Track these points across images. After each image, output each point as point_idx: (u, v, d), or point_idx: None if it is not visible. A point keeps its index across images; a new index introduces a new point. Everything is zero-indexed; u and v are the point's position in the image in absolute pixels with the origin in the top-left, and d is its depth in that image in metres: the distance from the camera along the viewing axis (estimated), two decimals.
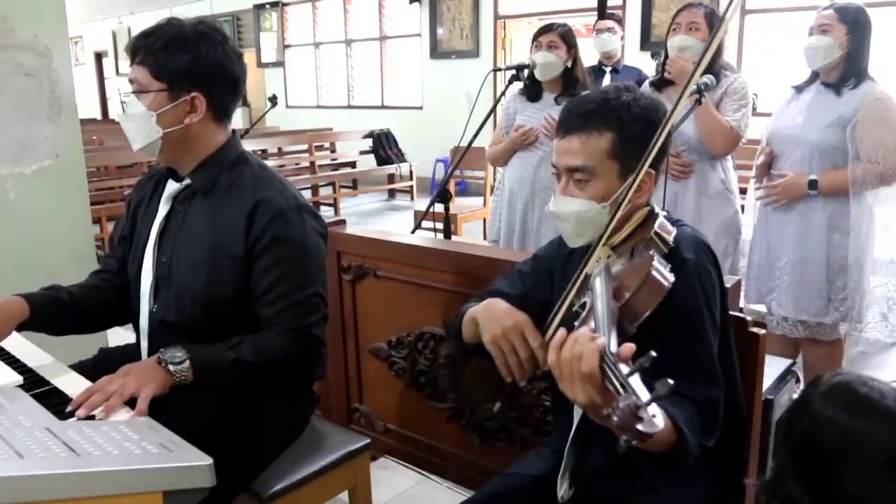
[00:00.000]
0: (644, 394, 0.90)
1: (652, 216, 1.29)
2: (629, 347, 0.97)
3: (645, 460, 1.10)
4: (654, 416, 0.89)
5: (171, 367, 1.42)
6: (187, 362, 1.43)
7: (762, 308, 2.70)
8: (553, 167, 1.35)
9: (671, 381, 0.86)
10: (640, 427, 0.87)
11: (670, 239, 1.24)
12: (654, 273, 1.13)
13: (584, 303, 1.20)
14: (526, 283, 1.48)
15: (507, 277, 1.54)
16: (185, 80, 1.52)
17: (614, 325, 1.06)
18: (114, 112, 14.98)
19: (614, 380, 0.93)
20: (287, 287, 1.54)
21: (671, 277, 1.14)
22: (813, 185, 2.43)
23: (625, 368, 0.94)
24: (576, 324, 1.17)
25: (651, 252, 1.19)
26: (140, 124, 1.53)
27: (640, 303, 1.12)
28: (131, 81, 1.55)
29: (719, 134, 2.57)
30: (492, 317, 1.30)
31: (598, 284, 1.15)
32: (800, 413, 0.97)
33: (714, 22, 2.59)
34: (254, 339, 1.51)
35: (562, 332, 1.07)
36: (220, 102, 1.58)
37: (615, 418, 0.88)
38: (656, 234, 1.23)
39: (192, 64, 1.52)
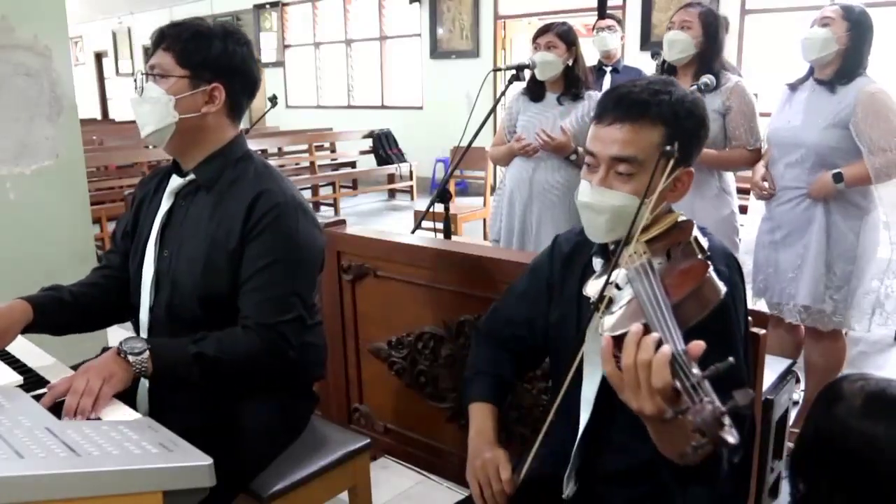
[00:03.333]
0: (718, 400, 0.83)
1: (687, 222, 1.24)
2: (699, 345, 0.91)
3: (671, 475, 1.06)
4: (731, 425, 0.82)
5: (130, 358, 1.40)
6: (147, 353, 1.42)
7: (763, 305, 2.70)
8: (589, 154, 1.27)
9: (752, 392, 0.81)
10: (723, 434, 0.80)
11: (706, 248, 1.19)
12: (711, 279, 1.07)
13: (608, 298, 1.15)
14: (526, 303, 1.48)
15: (506, 299, 1.54)
16: (209, 70, 1.55)
17: (676, 323, 0.98)
18: (114, 112, 15.00)
19: (686, 382, 0.87)
20: (265, 280, 1.53)
21: (723, 287, 1.07)
22: (838, 177, 2.43)
23: (696, 370, 0.88)
24: (601, 317, 1.12)
25: (701, 257, 1.14)
26: (156, 107, 1.54)
27: (692, 307, 1.04)
28: (152, 67, 1.56)
29: (741, 164, 2.68)
30: (474, 448, 1.39)
31: (644, 280, 1.09)
32: (840, 432, 0.93)
33: (709, 21, 2.61)
34: (219, 335, 1.50)
35: (607, 339, 1.02)
36: (237, 99, 1.62)
37: (698, 420, 0.81)
38: (695, 240, 1.18)
39: (218, 56, 1.55)
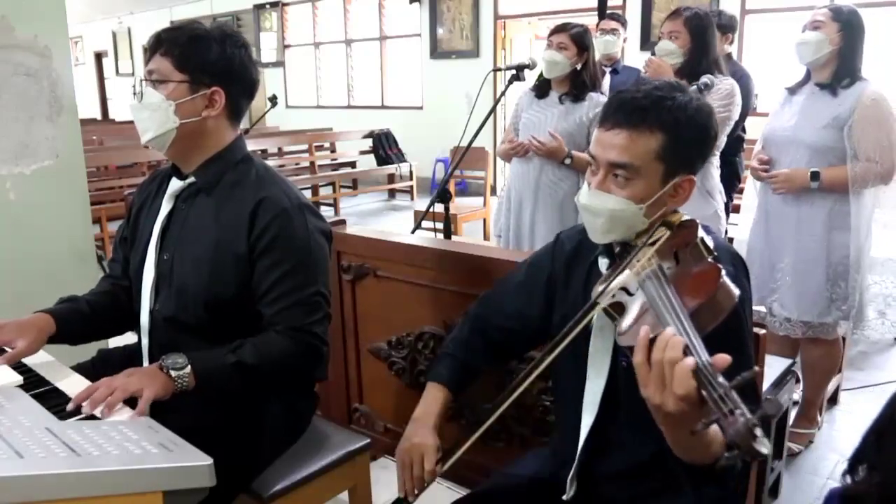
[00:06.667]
0: (748, 411, 0.84)
1: (691, 221, 1.24)
2: (724, 359, 0.92)
3: (684, 473, 1.05)
4: (762, 435, 0.82)
5: (172, 373, 1.41)
6: (188, 368, 1.43)
7: (761, 309, 2.69)
8: (591, 157, 1.29)
9: (781, 402, 0.81)
10: (756, 446, 0.80)
11: (712, 248, 1.19)
12: (725, 284, 1.06)
13: (619, 303, 1.14)
14: (520, 296, 1.48)
15: (499, 289, 1.54)
16: (208, 74, 1.55)
17: (697, 334, 0.97)
18: (114, 112, 14.99)
19: (714, 392, 0.87)
20: (288, 286, 1.54)
21: (737, 291, 1.07)
22: (815, 176, 2.44)
23: (722, 380, 0.88)
24: (620, 325, 1.11)
25: (711, 260, 1.14)
26: (156, 113, 1.54)
27: (708, 314, 1.04)
28: (150, 72, 1.56)
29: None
30: (410, 430, 1.42)
31: (657, 287, 1.08)
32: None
33: (696, 25, 2.62)
34: (254, 341, 1.51)
35: (645, 329, 1.01)
36: (237, 102, 1.62)
37: (731, 432, 0.82)
38: (702, 241, 1.17)
39: (216, 60, 1.55)
